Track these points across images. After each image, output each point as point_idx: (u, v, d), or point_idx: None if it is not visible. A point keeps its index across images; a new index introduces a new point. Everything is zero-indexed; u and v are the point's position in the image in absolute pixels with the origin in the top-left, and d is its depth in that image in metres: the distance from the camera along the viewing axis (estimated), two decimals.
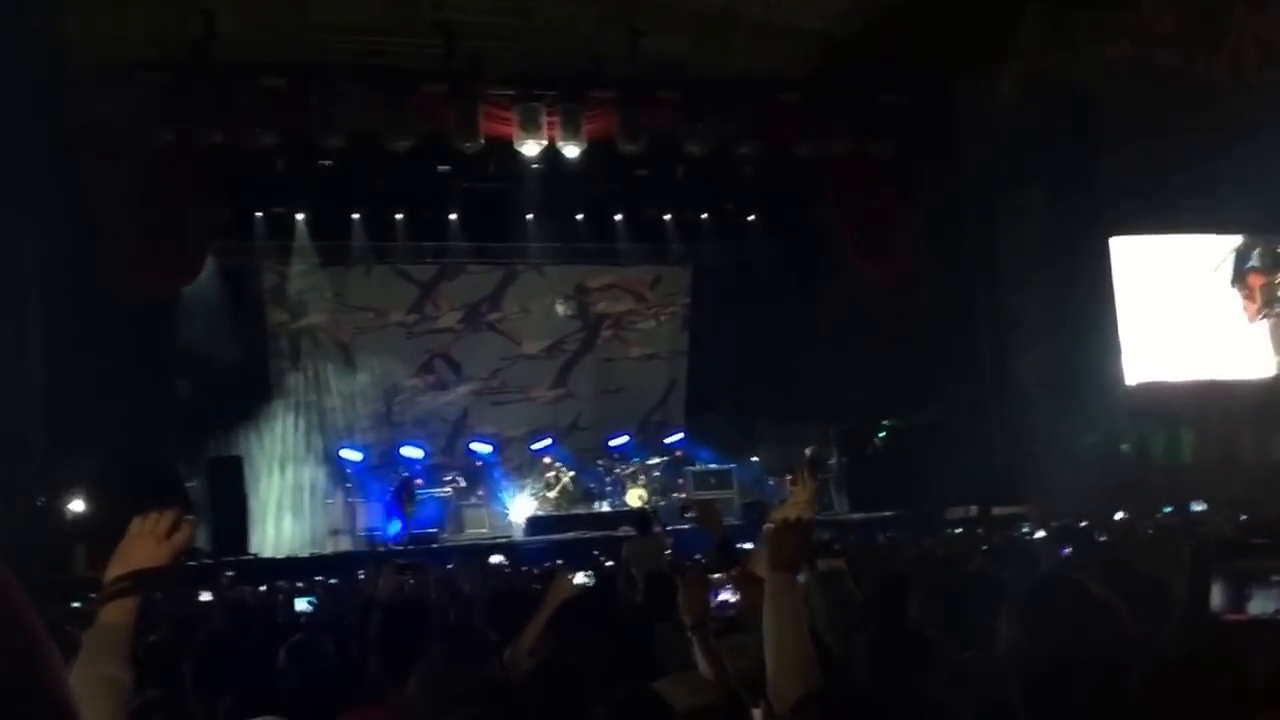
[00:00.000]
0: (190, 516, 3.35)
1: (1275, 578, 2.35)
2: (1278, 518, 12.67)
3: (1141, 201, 23.09)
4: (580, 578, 6.81)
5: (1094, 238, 23.26)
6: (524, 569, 15.23)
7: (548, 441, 26.18)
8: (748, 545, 7.90)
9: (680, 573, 5.38)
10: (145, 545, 3.29)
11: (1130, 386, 23.25)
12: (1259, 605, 2.38)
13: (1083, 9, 22.12)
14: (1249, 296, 24.27)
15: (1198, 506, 16.12)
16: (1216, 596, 2.40)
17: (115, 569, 3.28)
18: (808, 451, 23.67)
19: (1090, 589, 3.28)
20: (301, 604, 11.48)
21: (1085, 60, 22.48)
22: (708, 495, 23.57)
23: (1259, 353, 24.18)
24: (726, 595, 5.90)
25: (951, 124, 23.27)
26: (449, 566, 16.06)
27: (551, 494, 24.72)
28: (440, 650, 5.84)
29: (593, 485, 25.41)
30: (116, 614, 3.22)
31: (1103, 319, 23.20)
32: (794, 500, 3.74)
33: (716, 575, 5.99)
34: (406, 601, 8.21)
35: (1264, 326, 24.22)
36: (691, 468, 25.73)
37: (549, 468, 25.17)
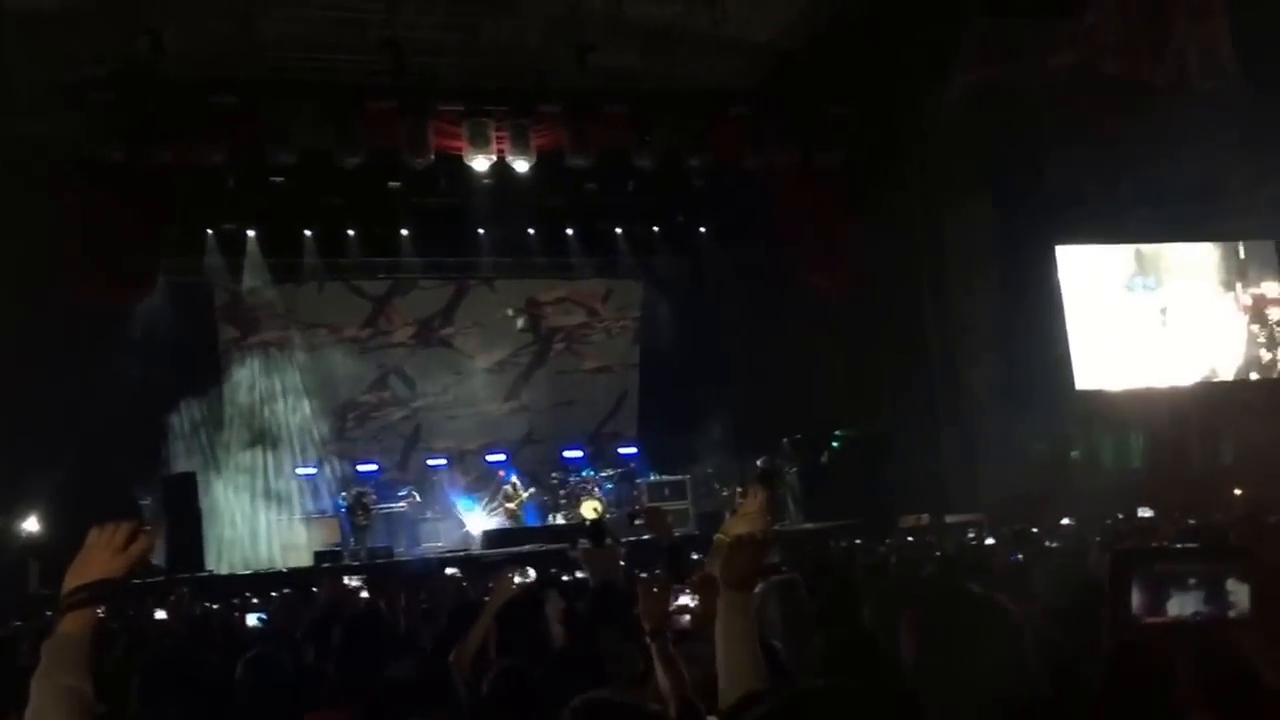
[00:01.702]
0: (148, 527, 3.38)
1: (1192, 580, 2.43)
2: (1224, 521, 12.82)
3: (1088, 210, 23.27)
4: (519, 578, 6.83)
5: (1041, 246, 23.43)
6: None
7: (502, 456, 26.20)
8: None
9: (640, 579, 5.43)
10: (102, 556, 3.33)
11: (1080, 393, 23.42)
12: (1177, 607, 2.46)
13: (1027, 19, 22.27)
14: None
15: (1145, 512, 16.27)
16: (1136, 600, 2.48)
17: (73, 580, 3.31)
18: (760, 464, 23.76)
19: (978, 595, 3.35)
20: (252, 619, 11.48)
21: (1030, 70, 22.62)
22: (662, 506, 23.62)
23: (1206, 358, 24.39)
24: (685, 599, 5.94)
25: (899, 134, 23.41)
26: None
27: (511, 505, 24.74)
28: (402, 660, 5.90)
29: (546, 498, 25.41)
30: (75, 625, 3.26)
31: (1051, 327, 23.37)
32: (745, 512, 3.80)
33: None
34: (365, 614, 8.23)
35: (1206, 332, 24.42)
36: (645, 479, 25.77)
37: (505, 481, 25.21)
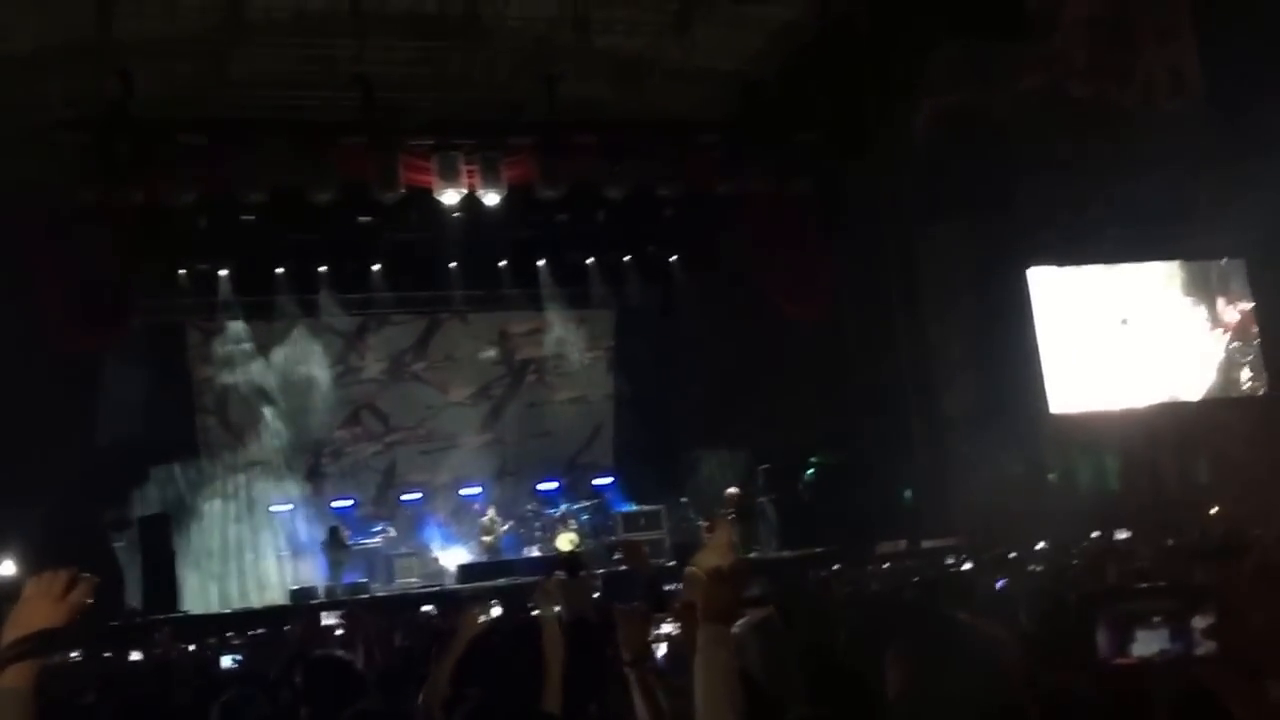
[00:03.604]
0: (86, 575, 3.27)
1: (1156, 619, 2.41)
2: (1202, 542, 12.82)
3: (1059, 232, 23.31)
4: (497, 609, 6.78)
5: (1012, 268, 23.45)
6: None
7: (478, 489, 26.12)
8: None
9: (619, 609, 5.38)
10: (42, 606, 3.23)
11: (1054, 415, 23.42)
12: (1142, 647, 2.44)
13: (995, 43, 22.35)
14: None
15: (1122, 534, 16.26)
16: (1102, 642, 2.46)
17: (12, 632, 3.20)
18: (729, 494, 23.77)
19: (964, 625, 3.33)
20: (226, 661, 11.38)
21: (1000, 94, 22.72)
22: (638, 537, 23.58)
23: (1179, 377, 24.40)
24: (668, 628, 5.91)
25: (869, 160, 23.42)
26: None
27: (488, 539, 24.63)
28: (372, 698, 5.83)
29: (522, 530, 25.32)
30: (16, 678, 3.14)
31: (1024, 349, 23.37)
32: (713, 545, 3.76)
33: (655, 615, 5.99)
34: (327, 654, 8.16)
35: (1179, 351, 24.43)
36: (621, 509, 25.69)
37: (483, 513, 25.12)
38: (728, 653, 3.69)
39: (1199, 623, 2.37)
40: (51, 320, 20.05)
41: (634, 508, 25.63)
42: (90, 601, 3.26)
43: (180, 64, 20.25)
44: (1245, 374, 24.72)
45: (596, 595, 14.12)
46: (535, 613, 6.95)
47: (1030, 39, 22.56)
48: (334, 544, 23.28)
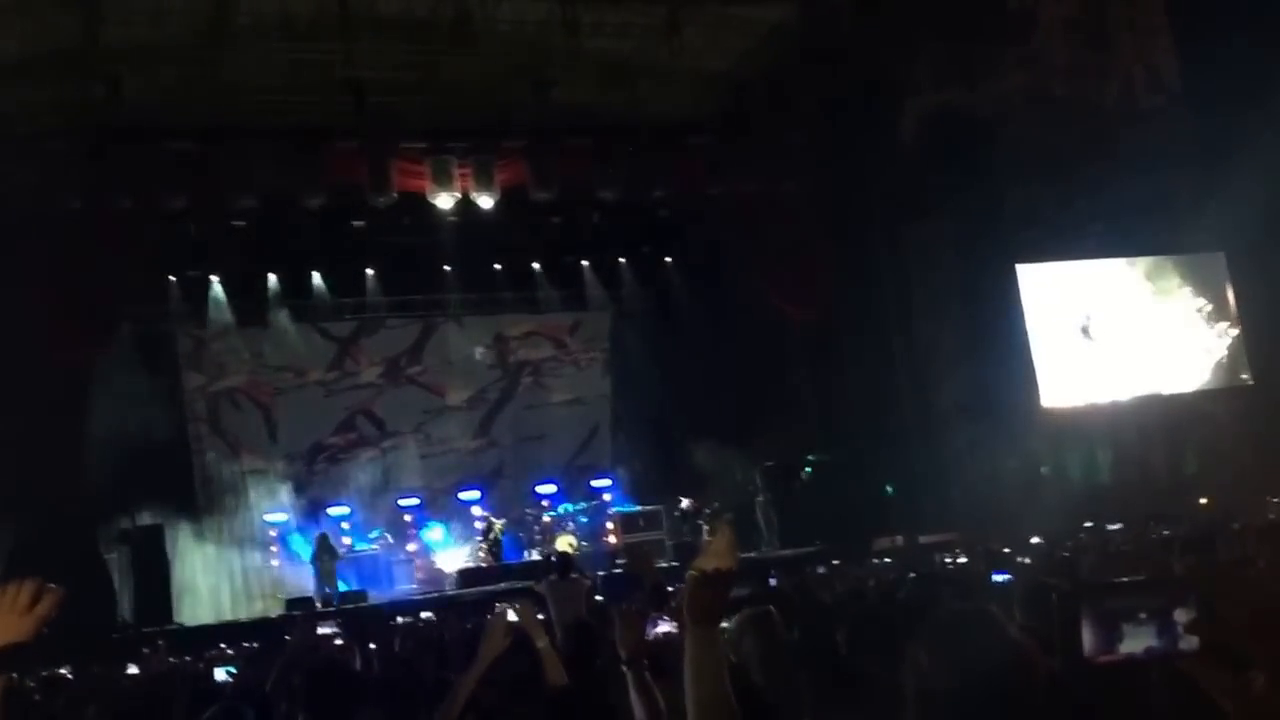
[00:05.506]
0: (52, 586, 3.16)
1: (1143, 615, 2.38)
2: (1193, 531, 12.83)
3: (1046, 229, 23.38)
4: (512, 614, 6.67)
5: (1002, 266, 23.48)
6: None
7: (476, 493, 26.05)
8: None
9: (617, 608, 5.36)
10: (7, 620, 3.11)
11: (1046, 409, 23.44)
12: (1129, 644, 2.41)
13: (978, 44, 22.43)
14: None
15: (1113, 526, 16.30)
16: (1088, 640, 2.43)
17: None
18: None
19: (1006, 626, 3.30)
20: (220, 673, 11.27)
21: (983, 94, 22.77)
22: (637, 538, 23.56)
23: (1174, 371, 24.40)
24: (666, 626, 5.88)
25: (858, 160, 23.44)
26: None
27: (488, 541, 24.55)
28: (374, 708, 5.79)
29: (521, 534, 25.24)
30: None
31: (1015, 345, 23.40)
32: (713, 550, 3.75)
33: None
34: (332, 661, 8.11)
35: (1166, 345, 24.43)
36: (619, 510, 25.66)
37: (480, 517, 25.04)
38: (714, 655, 3.68)
39: (1181, 617, 2.35)
40: (40, 330, 19.95)
41: (633, 508, 25.60)
42: (55, 614, 3.17)
43: (168, 70, 20.19)
44: (1242, 365, 24.70)
45: (599, 599, 14.11)
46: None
47: (1012, 40, 22.68)
48: (322, 552, 23.01)
